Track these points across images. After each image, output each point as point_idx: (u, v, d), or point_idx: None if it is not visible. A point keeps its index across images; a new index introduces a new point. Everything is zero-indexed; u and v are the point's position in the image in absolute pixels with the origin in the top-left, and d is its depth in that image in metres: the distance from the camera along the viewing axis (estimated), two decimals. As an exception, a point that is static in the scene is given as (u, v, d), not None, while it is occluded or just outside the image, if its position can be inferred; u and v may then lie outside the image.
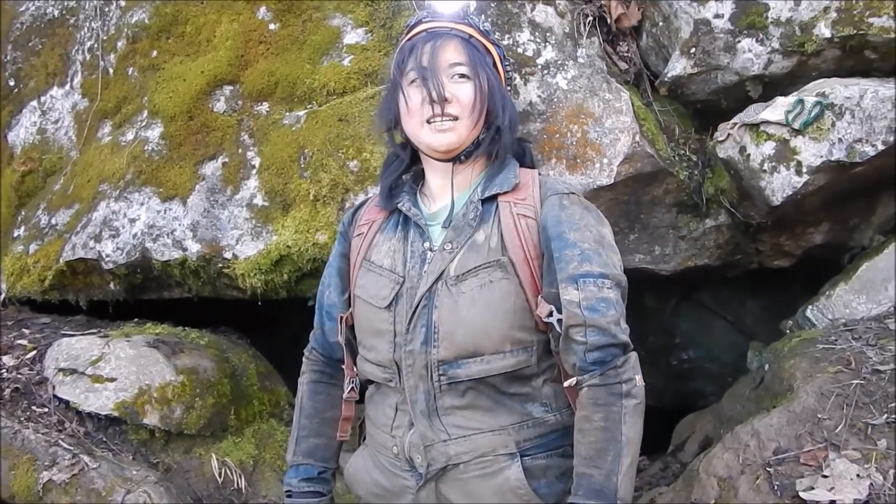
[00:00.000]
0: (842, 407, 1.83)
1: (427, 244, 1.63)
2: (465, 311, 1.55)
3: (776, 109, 2.25)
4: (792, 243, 2.60)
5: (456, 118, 1.61)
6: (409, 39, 1.69)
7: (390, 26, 2.48)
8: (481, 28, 1.72)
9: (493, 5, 2.39)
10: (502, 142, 1.67)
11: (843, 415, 1.82)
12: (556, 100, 2.32)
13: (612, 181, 2.27)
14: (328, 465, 1.82)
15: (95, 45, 3.03)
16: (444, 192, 1.69)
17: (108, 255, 2.62)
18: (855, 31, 2.25)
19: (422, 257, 1.62)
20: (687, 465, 2.34)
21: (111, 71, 2.97)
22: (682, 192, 2.45)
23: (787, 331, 2.49)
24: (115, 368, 2.36)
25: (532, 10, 2.40)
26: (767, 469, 1.78)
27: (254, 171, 2.53)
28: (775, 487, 1.74)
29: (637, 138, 2.28)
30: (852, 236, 2.58)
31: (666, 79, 2.46)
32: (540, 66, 2.35)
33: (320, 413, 1.83)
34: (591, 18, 2.45)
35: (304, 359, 1.89)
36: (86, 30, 3.11)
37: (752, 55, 2.34)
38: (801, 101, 2.21)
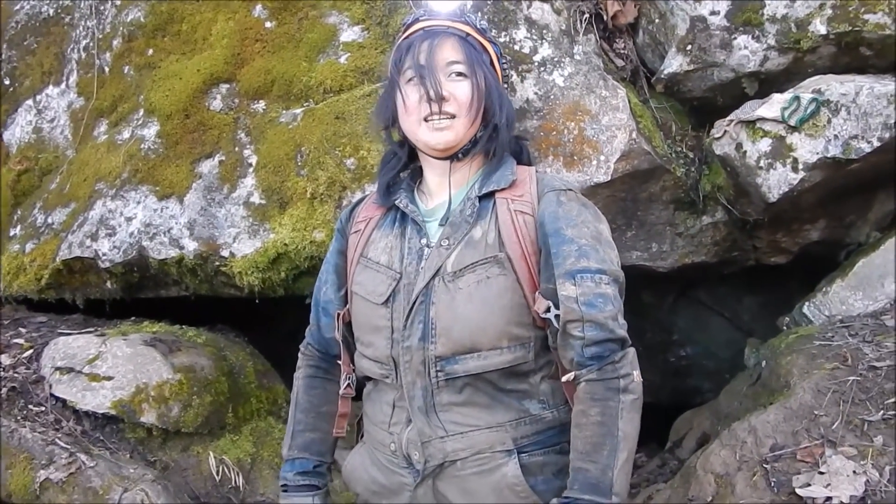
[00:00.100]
0: (838, 403, 1.84)
1: (424, 240, 1.64)
2: (462, 307, 1.55)
3: (772, 106, 2.25)
4: (789, 240, 2.60)
5: (453, 116, 1.62)
6: (406, 37, 1.69)
7: (386, 24, 2.48)
8: (478, 26, 1.72)
9: (489, 3, 2.39)
10: (499, 140, 1.68)
11: (839, 411, 1.82)
12: (552, 97, 2.32)
13: (609, 178, 2.27)
14: (324, 460, 1.82)
15: (91, 44, 3.02)
16: (442, 189, 1.69)
17: (104, 254, 2.62)
18: (850, 28, 2.25)
19: (419, 254, 1.63)
20: (684, 462, 2.34)
21: (107, 69, 2.97)
22: (678, 189, 2.45)
23: (784, 327, 2.50)
24: (112, 367, 2.36)
25: (528, 7, 2.40)
26: (764, 466, 1.78)
27: (251, 170, 2.53)
28: (772, 484, 1.75)
29: (634, 135, 2.28)
30: (849, 233, 2.59)
31: (662, 76, 2.46)
32: (536, 64, 2.35)
33: (316, 407, 1.83)
34: (587, 15, 2.45)
35: (299, 354, 1.90)
36: (81, 28, 3.10)
37: (748, 52, 2.35)
38: (797, 98, 2.21)
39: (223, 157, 2.57)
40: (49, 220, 2.88)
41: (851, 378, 1.89)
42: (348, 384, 1.78)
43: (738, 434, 1.90)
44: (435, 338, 1.56)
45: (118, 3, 2.97)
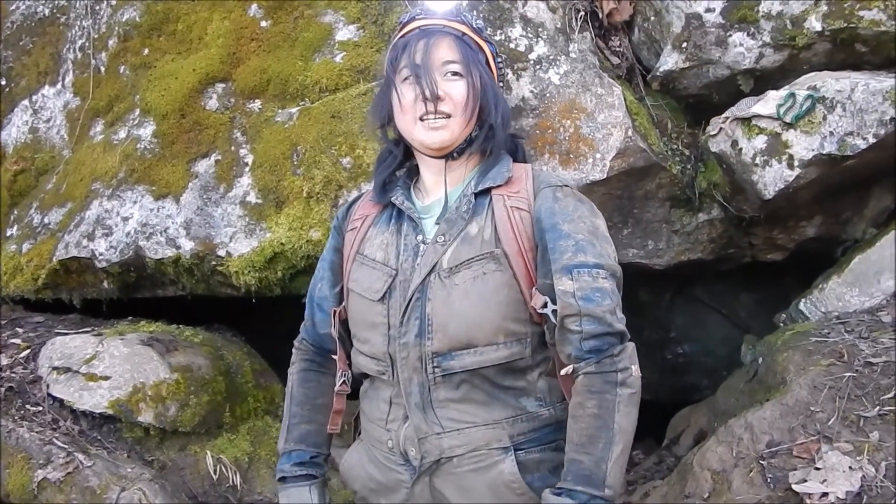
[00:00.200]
0: (834, 399, 1.84)
1: (420, 237, 1.64)
2: (458, 303, 1.55)
3: (768, 103, 2.26)
4: (785, 237, 2.61)
5: (449, 116, 1.62)
6: (402, 36, 1.70)
7: (382, 23, 2.48)
8: (474, 25, 1.72)
9: (484, 1, 2.39)
10: (495, 139, 1.68)
11: (835, 407, 1.82)
12: (548, 95, 2.32)
13: (605, 176, 2.28)
14: (320, 451, 1.81)
15: (87, 44, 3.02)
16: (438, 187, 1.70)
17: (101, 254, 2.62)
18: (846, 25, 2.25)
19: (415, 250, 1.63)
20: (681, 459, 2.34)
21: (103, 69, 2.96)
22: (674, 186, 2.45)
23: (781, 324, 2.50)
24: (109, 367, 2.36)
25: (524, 5, 2.40)
26: (761, 462, 1.79)
27: (247, 169, 2.53)
28: (768, 480, 1.75)
29: (629, 133, 2.28)
30: (845, 229, 2.59)
31: (658, 73, 2.46)
32: (532, 62, 2.35)
33: (311, 400, 1.83)
34: (582, 13, 2.45)
35: (293, 349, 1.91)
36: (77, 28, 3.10)
37: (743, 49, 2.35)
38: (792, 95, 2.22)
39: (219, 157, 2.57)
40: (45, 221, 2.88)
41: (847, 374, 1.89)
42: (343, 381, 1.78)
43: (734, 431, 1.90)
44: (431, 334, 1.56)
45: (114, 2, 2.97)
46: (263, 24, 2.63)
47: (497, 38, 2.34)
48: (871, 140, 2.14)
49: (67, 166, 2.96)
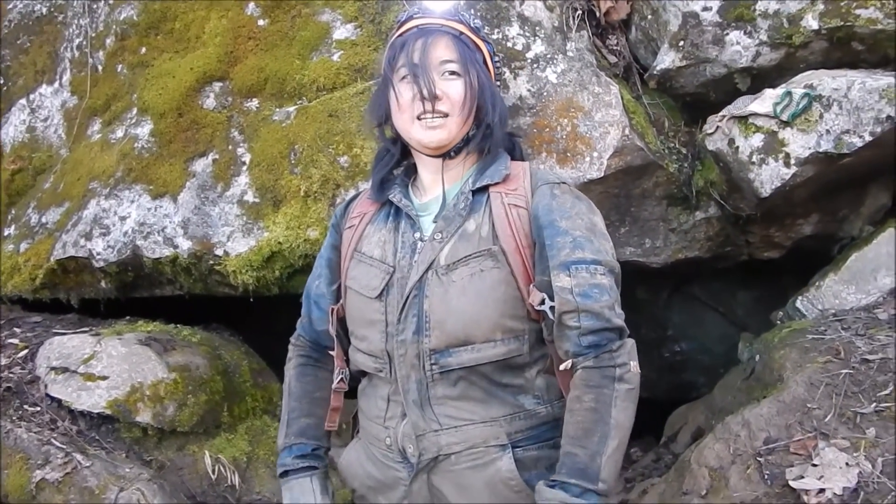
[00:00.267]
0: (831, 396, 1.84)
1: (418, 234, 1.64)
2: (455, 300, 1.55)
3: (764, 101, 2.26)
4: (782, 235, 2.61)
5: (446, 115, 1.63)
6: (399, 35, 1.70)
7: (379, 21, 2.48)
8: (471, 24, 1.72)
9: (482, 0, 2.39)
10: (493, 138, 1.68)
11: (832, 404, 1.83)
12: (545, 94, 2.32)
13: (603, 174, 2.28)
14: (320, 444, 1.80)
15: (84, 43, 3.02)
16: (436, 185, 1.70)
17: (98, 254, 2.62)
18: (842, 23, 2.26)
19: (412, 247, 1.63)
20: (679, 456, 2.35)
21: (100, 68, 2.96)
22: (671, 184, 2.45)
23: (778, 322, 2.50)
24: (107, 366, 2.35)
25: (521, 4, 2.41)
26: (758, 459, 1.79)
27: (244, 168, 2.53)
28: (765, 477, 1.76)
29: (627, 131, 2.28)
30: (842, 227, 2.59)
31: (655, 72, 2.47)
32: (529, 60, 2.35)
33: (309, 394, 1.83)
34: (580, 12, 2.45)
35: (290, 346, 1.90)
36: (74, 27, 3.10)
37: (740, 48, 2.35)
38: (789, 93, 2.22)
39: (217, 156, 2.57)
40: (43, 220, 2.88)
41: (844, 371, 1.90)
42: (341, 378, 1.78)
43: (731, 428, 1.90)
44: (429, 331, 1.56)
45: (111, 1, 2.96)
46: (261, 22, 2.63)
47: (494, 36, 2.35)
48: (868, 138, 2.14)
49: (65, 165, 2.96)
